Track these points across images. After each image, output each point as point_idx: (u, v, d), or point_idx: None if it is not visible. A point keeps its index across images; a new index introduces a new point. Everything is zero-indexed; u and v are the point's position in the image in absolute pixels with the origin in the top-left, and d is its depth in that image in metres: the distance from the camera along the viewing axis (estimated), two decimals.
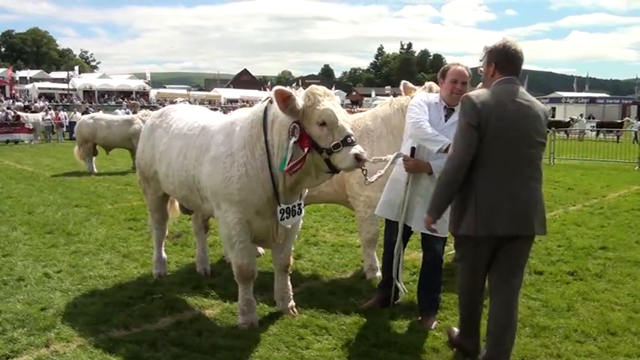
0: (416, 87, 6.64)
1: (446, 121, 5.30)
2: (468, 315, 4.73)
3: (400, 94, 6.77)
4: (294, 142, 4.81)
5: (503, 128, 4.14)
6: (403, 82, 6.72)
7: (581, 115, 46.25)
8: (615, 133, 26.45)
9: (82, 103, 56.54)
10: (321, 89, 4.93)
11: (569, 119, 43.53)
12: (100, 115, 20.86)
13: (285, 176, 5.01)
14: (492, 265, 4.44)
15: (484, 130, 4.12)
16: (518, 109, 4.20)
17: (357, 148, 4.71)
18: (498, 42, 4.39)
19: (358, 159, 4.67)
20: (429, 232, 5.15)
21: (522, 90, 4.33)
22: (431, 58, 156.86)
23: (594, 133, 36.54)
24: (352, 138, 4.75)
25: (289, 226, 5.39)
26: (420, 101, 5.37)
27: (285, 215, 5.21)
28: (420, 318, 5.54)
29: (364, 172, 4.94)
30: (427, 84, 6.57)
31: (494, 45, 4.39)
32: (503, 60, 4.31)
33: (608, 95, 78.49)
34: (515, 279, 4.42)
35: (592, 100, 63.71)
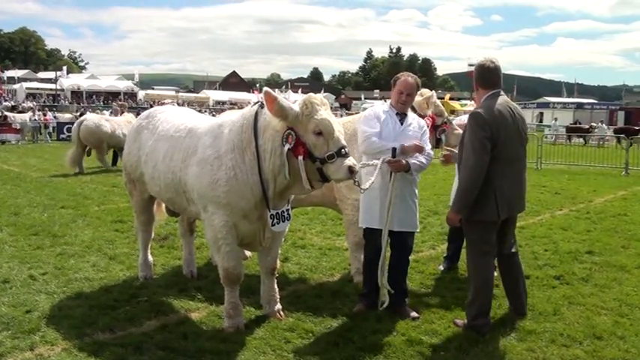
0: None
1: (402, 125, 5.72)
2: (485, 294, 5.33)
3: (386, 99, 6.81)
4: (288, 150, 4.82)
5: (507, 134, 5.04)
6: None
7: (602, 122, 45.79)
8: (633, 140, 26.32)
9: (70, 103, 56.26)
10: (318, 98, 4.97)
11: (589, 126, 42.62)
12: (108, 117, 20.77)
13: (275, 182, 5.02)
14: (499, 240, 5.39)
15: (496, 138, 4.97)
16: (513, 116, 5.13)
17: (350, 160, 4.79)
18: (478, 61, 5.28)
19: (351, 171, 4.74)
20: (407, 230, 5.76)
21: (507, 98, 5.22)
22: (420, 62, 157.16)
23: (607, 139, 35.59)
24: (346, 149, 4.82)
25: (279, 230, 5.40)
26: (370, 114, 5.80)
27: (275, 221, 5.23)
28: (411, 314, 5.69)
29: (356, 183, 5.11)
30: (424, 90, 6.64)
31: (475, 64, 5.31)
32: (483, 77, 5.22)
33: (595, 101, 78.91)
34: (515, 245, 5.63)
35: (579, 106, 64.03)
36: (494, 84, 5.19)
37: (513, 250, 5.64)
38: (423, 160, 5.67)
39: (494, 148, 4.98)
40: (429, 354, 4.93)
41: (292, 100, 5.19)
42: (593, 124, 44.89)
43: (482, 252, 5.31)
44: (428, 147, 5.81)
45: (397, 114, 5.77)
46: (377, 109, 5.96)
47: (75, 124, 18.75)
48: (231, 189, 5.08)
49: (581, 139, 33.38)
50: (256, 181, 5.06)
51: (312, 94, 5.06)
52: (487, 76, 5.21)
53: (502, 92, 5.20)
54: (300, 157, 4.80)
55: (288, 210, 5.41)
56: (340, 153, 4.77)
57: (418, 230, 5.97)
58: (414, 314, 5.72)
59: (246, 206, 5.14)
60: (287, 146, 4.82)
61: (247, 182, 5.07)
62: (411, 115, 5.91)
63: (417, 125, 5.82)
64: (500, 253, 5.53)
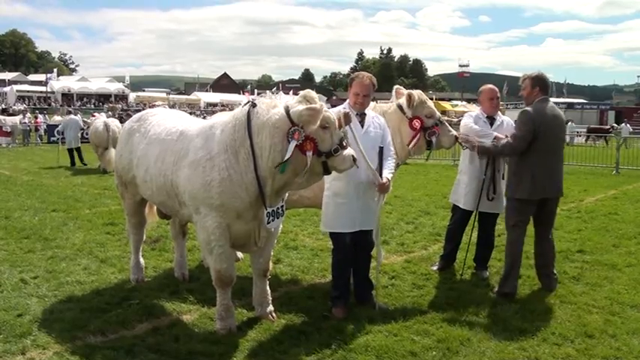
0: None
1: (362, 127, 5.80)
2: (513, 262, 6.43)
3: (378, 100, 6.78)
4: (296, 146, 4.85)
5: (546, 131, 6.24)
6: (396, 87, 6.74)
7: (625, 122, 44.65)
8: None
9: (61, 106, 56.08)
10: (314, 94, 5.06)
11: (609, 126, 41.62)
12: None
13: (273, 179, 5.03)
14: (537, 220, 6.59)
15: (537, 131, 6.18)
16: (554, 117, 6.39)
17: (350, 150, 4.97)
18: (537, 73, 6.53)
19: (354, 159, 4.95)
20: (368, 229, 5.90)
21: (552, 104, 6.51)
22: (411, 63, 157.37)
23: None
24: (345, 141, 5.01)
25: (273, 229, 5.42)
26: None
27: (270, 218, 5.24)
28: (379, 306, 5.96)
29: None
30: (411, 91, 6.61)
31: (535, 75, 6.50)
32: (543, 85, 6.48)
33: (586, 101, 79.21)
34: (551, 227, 6.72)
35: (570, 106, 64.24)
36: (547, 91, 6.51)
37: (549, 234, 6.64)
38: (392, 166, 5.86)
39: (535, 141, 6.19)
40: (421, 354, 4.93)
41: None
42: (614, 124, 44.01)
43: (515, 225, 6.41)
44: (392, 150, 5.94)
45: (357, 114, 5.83)
46: (335, 111, 5.96)
47: (101, 129, 18.80)
48: (224, 190, 5.07)
49: (602, 141, 32.12)
50: (251, 179, 5.06)
51: (309, 90, 5.15)
52: (546, 85, 6.52)
53: (549, 99, 6.50)
54: (309, 152, 4.87)
55: (282, 206, 5.44)
56: (342, 145, 4.94)
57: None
58: (382, 305, 5.98)
59: (241, 206, 5.14)
60: (294, 142, 4.85)
61: (242, 182, 5.07)
62: (370, 114, 5.97)
63: (378, 125, 5.92)
64: (536, 233, 6.64)
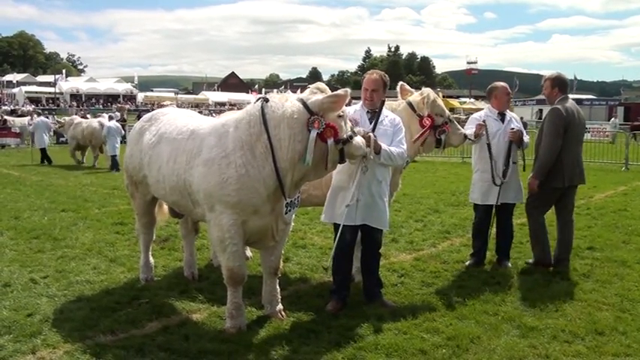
0: (412, 90, 6.73)
1: (370, 123, 5.82)
2: (543, 237, 7.18)
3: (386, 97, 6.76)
4: (317, 134, 4.96)
5: (573, 125, 6.99)
6: (400, 83, 6.74)
7: None
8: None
9: (70, 106, 56.30)
10: (325, 86, 5.27)
11: None
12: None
13: (293, 170, 5.09)
14: (559, 204, 7.23)
15: (567, 127, 6.92)
16: (578, 113, 7.10)
17: (360, 137, 5.27)
18: (556, 73, 7.24)
19: (366, 145, 5.29)
20: (373, 226, 5.89)
21: (572, 101, 7.18)
22: (418, 60, 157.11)
23: None
24: (355, 129, 5.24)
25: (290, 217, 5.51)
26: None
27: (288, 208, 5.34)
28: (389, 304, 5.95)
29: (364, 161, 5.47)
30: (424, 90, 6.60)
31: (554, 75, 7.18)
32: (562, 84, 7.13)
33: (594, 97, 78.77)
34: (571, 210, 7.32)
35: (578, 102, 63.74)
36: (566, 90, 7.16)
37: (571, 217, 7.26)
38: (394, 151, 5.70)
39: (565, 134, 6.87)
40: (430, 352, 4.92)
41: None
42: None
43: (537, 206, 7.17)
44: (403, 146, 5.86)
45: (367, 112, 5.89)
46: (348, 109, 5.97)
47: (98, 128, 20.43)
48: (242, 186, 5.08)
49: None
50: (269, 172, 5.08)
51: (319, 82, 5.34)
52: (565, 84, 7.16)
53: (569, 96, 7.15)
54: (331, 140, 4.99)
55: (298, 197, 5.52)
56: (354, 132, 5.20)
57: (387, 229, 6.21)
58: (391, 304, 5.97)
59: (259, 201, 5.16)
60: (314, 131, 4.94)
61: (259, 177, 5.09)
62: (384, 113, 5.95)
63: (388, 123, 5.89)
64: (560, 217, 7.25)
